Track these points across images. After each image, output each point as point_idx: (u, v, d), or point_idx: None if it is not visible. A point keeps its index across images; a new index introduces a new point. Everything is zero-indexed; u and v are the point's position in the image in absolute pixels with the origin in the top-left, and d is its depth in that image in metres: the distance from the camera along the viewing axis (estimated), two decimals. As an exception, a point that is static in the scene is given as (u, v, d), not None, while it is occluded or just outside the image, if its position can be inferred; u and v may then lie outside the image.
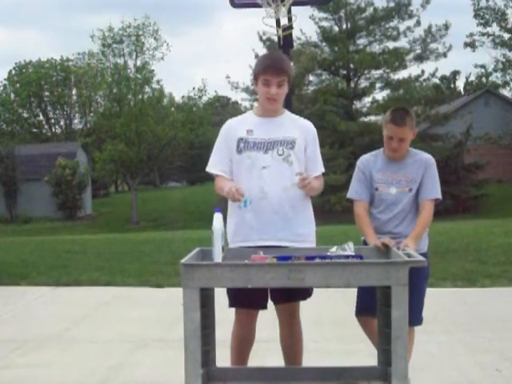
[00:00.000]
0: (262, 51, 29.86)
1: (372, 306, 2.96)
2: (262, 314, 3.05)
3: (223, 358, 2.98)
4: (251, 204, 2.92)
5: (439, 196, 3.11)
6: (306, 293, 3.01)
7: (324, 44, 30.40)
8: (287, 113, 3.11)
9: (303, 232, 2.99)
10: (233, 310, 3.05)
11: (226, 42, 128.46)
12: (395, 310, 2.36)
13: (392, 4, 29.12)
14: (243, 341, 3.10)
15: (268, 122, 3.01)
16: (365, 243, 3.12)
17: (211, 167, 3.06)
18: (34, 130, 47.23)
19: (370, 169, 3.17)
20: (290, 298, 2.98)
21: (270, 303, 3.04)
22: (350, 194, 3.20)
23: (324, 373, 2.74)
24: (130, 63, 34.33)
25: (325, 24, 30.02)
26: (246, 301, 2.92)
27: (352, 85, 30.33)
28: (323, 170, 3.10)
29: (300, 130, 3.02)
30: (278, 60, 2.96)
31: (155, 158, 35.57)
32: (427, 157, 3.16)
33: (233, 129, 3.04)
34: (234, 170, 3.02)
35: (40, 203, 31.55)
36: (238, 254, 2.78)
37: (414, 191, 3.10)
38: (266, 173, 2.92)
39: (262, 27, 28.71)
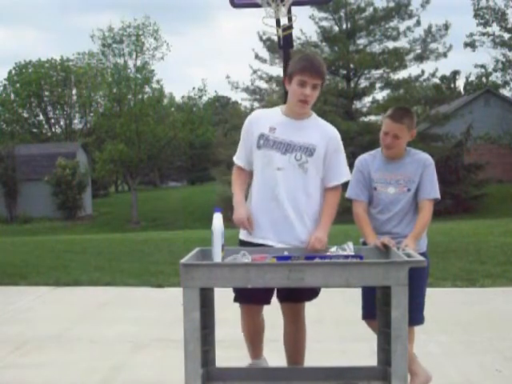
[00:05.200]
0: (262, 51, 29.96)
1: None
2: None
3: (223, 357, 2.98)
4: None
5: (438, 196, 3.10)
6: (311, 294, 3.02)
7: (324, 44, 30.40)
8: (314, 116, 3.08)
9: (307, 239, 2.96)
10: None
11: (225, 42, 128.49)
12: (395, 310, 2.36)
13: (392, 4, 29.12)
14: (252, 332, 3.14)
15: (292, 124, 2.99)
16: (364, 245, 3.12)
17: (235, 157, 3.16)
18: (34, 130, 47.24)
19: (368, 169, 3.16)
20: (295, 299, 2.99)
21: (274, 300, 3.05)
22: (349, 194, 3.20)
23: (324, 373, 2.74)
24: (130, 63, 34.41)
25: (325, 24, 30.05)
26: (251, 296, 2.92)
27: (352, 85, 30.31)
28: (342, 180, 3.04)
29: (322, 137, 2.99)
30: (317, 63, 2.94)
31: (155, 158, 35.58)
32: (425, 157, 3.15)
33: (256, 122, 3.06)
34: (253, 164, 3.06)
35: (40, 203, 31.56)
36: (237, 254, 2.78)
37: (413, 191, 3.09)
38: (280, 175, 2.93)
39: (262, 27, 28.76)
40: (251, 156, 3.04)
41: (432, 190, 3.09)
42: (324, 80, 2.97)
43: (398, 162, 3.13)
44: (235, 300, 3.02)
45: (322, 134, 3.00)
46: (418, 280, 2.90)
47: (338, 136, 3.07)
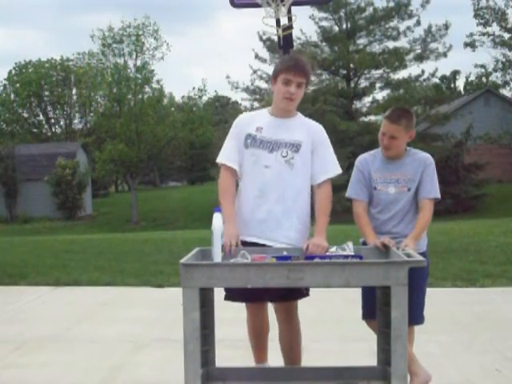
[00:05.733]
0: (262, 51, 29.96)
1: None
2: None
3: (223, 357, 2.98)
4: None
5: (438, 195, 3.11)
6: (299, 293, 3.02)
7: (324, 44, 30.40)
8: (299, 115, 3.12)
9: (294, 236, 3.00)
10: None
11: (226, 42, 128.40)
12: (395, 310, 2.36)
13: (392, 4, 29.12)
14: (256, 331, 3.18)
15: (278, 123, 3.03)
16: (364, 244, 3.12)
17: (222, 158, 3.07)
18: (34, 130, 47.18)
19: (368, 168, 3.17)
20: (282, 297, 2.99)
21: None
22: (349, 193, 3.20)
23: (324, 373, 2.74)
24: (130, 63, 34.35)
25: (325, 24, 30.06)
26: (241, 294, 2.94)
27: (352, 85, 30.32)
28: (330, 174, 3.03)
29: (308, 133, 3.03)
30: (300, 62, 3.00)
31: (155, 158, 35.56)
32: (426, 156, 3.16)
33: (244, 123, 3.09)
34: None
35: (40, 203, 31.54)
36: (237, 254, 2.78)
37: (413, 190, 3.09)
38: (268, 172, 2.96)
39: (262, 27, 28.78)
40: (242, 158, 3.05)
41: (432, 189, 3.09)
42: (308, 79, 3.01)
43: (398, 161, 3.13)
44: (225, 298, 3.04)
45: (307, 130, 3.05)
46: (417, 280, 2.90)
47: (323, 131, 3.10)
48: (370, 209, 3.19)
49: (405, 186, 3.10)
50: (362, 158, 3.23)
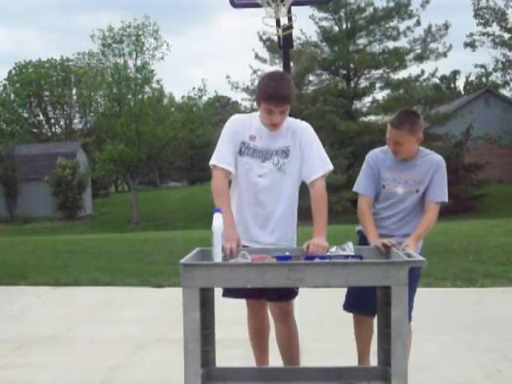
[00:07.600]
0: (262, 51, 29.98)
1: (360, 304, 3.03)
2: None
3: (223, 357, 2.98)
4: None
5: (446, 200, 3.08)
6: (294, 293, 3.03)
7: (324, 44, 30.44)
8: (286, 119, 3.10)
9: (292, 237, 3.08)
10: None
11: (226, 42, 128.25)
12: (395, 310, 2.36)
13: (392, 4, 29.14)
14: (256, 329, 3.20)
15: (268, 132, 3.04)
16: (359, 234, 3.16)
17: (218, 160, 3.02)
18: (34, 130, 47.20)
19: (378, 165, 3.14)
20: (279, 297, 3.00)
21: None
22: (357, 187, 3.18)
23: (324, 373, 2.74)
24: (130, 63, 34.38)
25: (325, 24, 30.10)
26: (238, 291, 2.93)
27: (352, 85, 30.34)
28: (318, 173, 3.00)
29: (293, 136, 3.03)
30: (281, 89, 2.90)
31: (155, 158, 35.56)
32: (438, 158, 3.12)
33: (239, 129, 3.08)
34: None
35: (40, 203, 31.55)
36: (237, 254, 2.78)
37: (421, 192, 3.08)
38: (262, 181, 3.00)
39: (262, 27, 28.78)
40: (236, 163, 3.05)
41: (441, 193, 3.07)
42: (292, 100, 2.96)
43: (410, 163, 3.10)
44: (223, 295, 3.05)
45: (293, 133, 3.04)
46: (411, 280, 2.90)
47: (309, 130, 3.07)
48: (374, 203, 3.18)
49: (414, 187, 3.08)
50: (373, 154, 3.20)
